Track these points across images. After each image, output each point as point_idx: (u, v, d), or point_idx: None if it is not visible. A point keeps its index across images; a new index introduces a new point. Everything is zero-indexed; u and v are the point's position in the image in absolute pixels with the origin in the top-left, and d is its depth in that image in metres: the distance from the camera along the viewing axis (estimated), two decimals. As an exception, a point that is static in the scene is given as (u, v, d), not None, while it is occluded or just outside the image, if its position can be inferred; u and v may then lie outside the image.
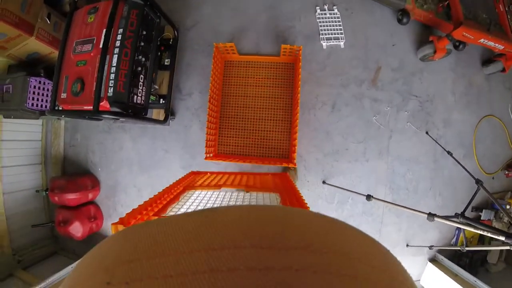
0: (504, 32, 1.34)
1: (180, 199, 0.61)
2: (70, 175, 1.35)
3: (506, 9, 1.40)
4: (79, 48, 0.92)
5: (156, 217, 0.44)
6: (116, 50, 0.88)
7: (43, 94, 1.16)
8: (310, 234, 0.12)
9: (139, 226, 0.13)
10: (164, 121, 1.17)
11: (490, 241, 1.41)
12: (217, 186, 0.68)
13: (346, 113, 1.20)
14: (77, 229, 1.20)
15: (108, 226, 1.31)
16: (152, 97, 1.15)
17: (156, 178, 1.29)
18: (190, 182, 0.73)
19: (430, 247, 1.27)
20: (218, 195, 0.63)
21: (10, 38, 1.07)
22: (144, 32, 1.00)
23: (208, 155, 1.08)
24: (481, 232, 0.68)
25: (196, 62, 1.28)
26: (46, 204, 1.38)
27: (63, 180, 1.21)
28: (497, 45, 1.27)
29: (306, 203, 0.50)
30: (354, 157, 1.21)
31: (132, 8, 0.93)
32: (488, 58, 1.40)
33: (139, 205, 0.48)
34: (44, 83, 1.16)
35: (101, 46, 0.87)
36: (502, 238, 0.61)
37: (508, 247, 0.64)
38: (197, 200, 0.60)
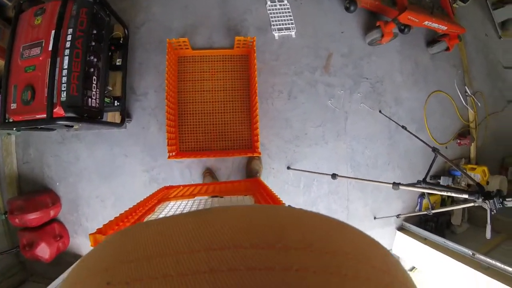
0: (446, 14, 1.50)
1: (155, 210, 0.62)
2: (28, 194, 1.29)
3: None
4: (27, 53, 0.89)
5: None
6: (67, 52, 0.87)
7: (-9, 109, 1.12)
8: (310, 234, 0.12)
9: (139, 227, 0.14)
10: (121, 123, 1.17)
11: (451, 204, 1.59)
12: (192, 195, 0.70)
13: (302, 100, 1.29)
14: (44, 251, 1.16)
15: (76, 243, 1.28)
16: (106, 99, 1.16)
17: (118, 185, 1.29)
18: (163, 195, 0.74)
19: (398, 215, 1.38)
20: (193, 203, 0.64)
21: None
22: (95, 31, 0.99)
23: (170, 154, 1.11)
24: (445, 194, 0.77)
25: (148, 60, 1.29)
26: (7, 228, 1.31)
27: (21, 200, 1.17)
28: (440, 26, 1.42)
29: (281, 200, 0.51)
30: (314, 141, 1.31)
31: (81, 7, 0.91)
32: (432, 39, 1.55)
33: (115, 217, 0.49)
34: (-10, 96, 1.12)
35: (50, 48, 0.85)
36: (466, 196, 0.70)
37: (472, 204, 0.72)
38: (173, 209, 0.61)
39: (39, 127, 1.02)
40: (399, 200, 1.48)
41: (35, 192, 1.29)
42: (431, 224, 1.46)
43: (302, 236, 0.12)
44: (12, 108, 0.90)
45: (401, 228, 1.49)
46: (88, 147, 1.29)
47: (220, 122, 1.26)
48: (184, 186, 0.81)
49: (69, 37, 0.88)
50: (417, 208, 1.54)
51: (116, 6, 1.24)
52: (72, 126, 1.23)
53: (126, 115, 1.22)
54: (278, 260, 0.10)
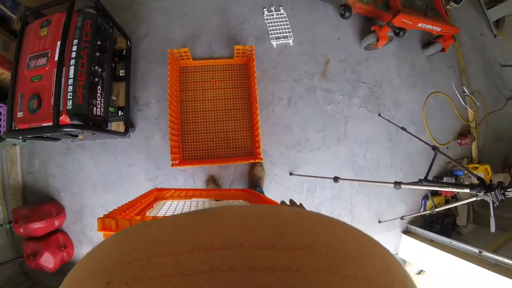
0: (440, 15, 1.54)
1: (154, 206, 0.63)
2: (33, 203, 1.32)
3: None
4: (33, 63, 0.92)
5: (138, 217, 0.45)
6: (72, 62, 0.90)
7: (-5, 119, 1.13)
8: (310, 234, 0.12)
9: (139, 226, 0.14)
10: (125, 133, 1.20)
11: (456, 208, 1.60)
12: (188, 197, 0.71)
13: (302, 106, 1.32)
14: (48, 261, 1.17)
15: (80, 253, 1.29)
16: (110, 109, 1.19)
17: (122, 195, 1.30)
18: (157, 195, 0.75)
19: (402, 217, 1.37)
20: (190, 204, 0.65)
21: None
22: (99, 42, 1.02)
23: (174, 162, 1.14)
24: (446, 189, 0.77)
25: (150, 71, 1.33)
26: (10, 238, 1.32)
27: (26, 210, 1.18)
28: (434, 27, 1.45)
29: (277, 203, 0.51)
30: (316, 146, 1.33)
31: (86, 18, 0.96)
32: (428, 41, 1.59)
33: (118, 207, 0.50)
34: (-5, 107, 1.12)
35: (56, 58, 0.88)
36: (467, 190, 0.71)
37: (474, 198, 0.73)
38: (172, 208, 0.61)
39: (45, 136, 1.06)
40: (403, 203, 1.49)
41: (40, 202, 1.31)
42: (437, 226, 1.46)
43: (302, 236, 0.12)
44: (18, 116, 0.93)
45: (406, 231, 1.49)
46: (93, 157, 1.32)
47: (222, 130, 1.29)
48: (176, 189, 0.82)
49: (74, 48, 0.92)
50: (421, 210, 1.54)
51: (118, 18, 1.29)
52: (77, 136, 1.27)
53: (129, 125, 1.25)
54: (278, 260, 0.10)
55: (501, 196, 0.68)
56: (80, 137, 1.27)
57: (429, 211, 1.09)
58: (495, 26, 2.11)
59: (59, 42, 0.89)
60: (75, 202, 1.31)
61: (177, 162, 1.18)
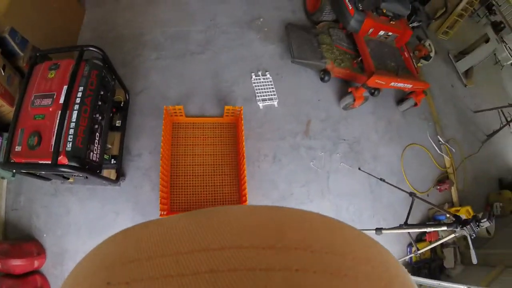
0: (411, 73, 1.73)
1: None
2: (14, 240, 1.27)
3: (411, 54, 1.81)
4: (38, 102, 0.95)
5: None
6: (76, 107, 0.95)
7: (-11, 149, 1.10)
8: (310, 234, 0.12)
9: (139, 227, 0.14)
10: (116, 181, 1.24)
11: (442, 252, 1.63)
12: None
13: (287, 162, 1.41)
14: None
15: None
16: (105, 156, 1.22)
17: None
18: None
19: None
20: None
21: (-40, 85, 1.00)
22: (102, 92, 1.09)
23: (162, 213, 1.16)
24: (425, 229, 0.83)
25: (144, 124, 1.41)
26: None
27: (7, 245, 1.14)
28: (406, 85, 1.63)
29: None
30: (300, 200, 1.39)
31: (92, 69, 1.03)
32: (401, 98, 1.76)
33: None
34: (-9, 137, 1.10)
35: (61, 101, 0.93)
36: (444, 228, 0.78)
37: (453, 235, 0.79)
38: None
39: (38, 173, 1.07)
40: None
41: (22, 239, 1.25)
42: (424, 271, 1.48)
43: (302, 236, 0.12)
44: (16, 150, 0.94)
45: (393, 280, 1.50)
46: (80, 202, 1.31)
47: (210, 183, 1.35)
48: None
49: (79, 94, 0.98)
50: (408, 258, 1.58)
51: (119, 71, 1.40)
52: (68, 178, 1.27)
53: (121, 173, 1.28)
54: (278, 260, 0.10)
55: (477, 228, 0.75)
56: (71, 179, 1.28)
57: (413, 254, 1.13)
58: (464, 76, 2.35)
59: (65, 87, 0.94)
60: (57, 245, 1.28)
61: (165, 213, 1.21)
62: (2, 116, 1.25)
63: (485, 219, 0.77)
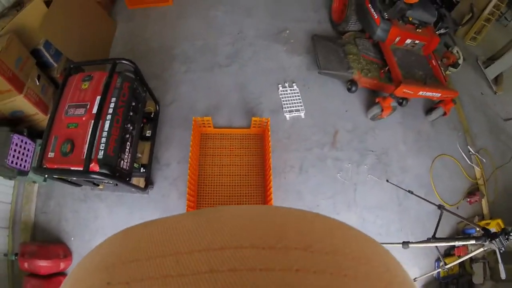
0: (439, 82, 1.68)
1: None
2: (42, 241, 1.31)
3: (439, 62, 1.76)
4: (72, 111, 1.00)
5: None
6: (109, 117, 1.01)
7: (23, 154, 1.17)
8: (310, 234, 0.12)
9: (140, 227, 0.14)
10: (145, 189, 1.29)
11: (471, 267, 1.57)
12: None
13: (313, 174, 1.41)
14: None
15: None
16: (135, 165, 1.26)
17: None
18: None
19: (414, 279, 1.35)
20: None
21: (0, 92, 1.09)
22: (133, 104, 1.15)
23: None
24: (454, 243, 0.81)
25: (173, 135, 1.46)
26: (11, 272, 1.29)
27: (35, 246, 1.18)
28: (434, 94, 1.58)
29: None
30: (326, 212, 1.38)
31: (125, 81, 1.09)
32: (430, 107, 1.71)
33: None
34: (26, 143, 1.17)
35: (94, 111, 0.99)
36: (473, 241, 0.77)
37: (482, 249, 0.78)
38: None
39: (70, 179, 1.13)
40: (416, 267, 1.48)
41: (49, 241, 1.30)
42: (452, 287, 1.43)
43: (302, 236, 0.12)
44: (49, 156, 0.99)
45: (420, 296, 1.46)
46: (109, 208, 1.36)
47: (236, 194, 1.38)
48: None
49: (112, 105, 1.03)
50: (435, 273, 1.52)
51: (149, 84, 1.47)
52: (98, 185, 1.33)
53: (149, 182, 1.32)
54: (278, 261, 0.10)
55: (506, 241, 0.73)
56: (101, 186, 1.34)
57: (440, 269, 1.09)
58: (494, 83, 2.24)
59: (98, 97, 1.00)
60: (84, 249, 1.32)
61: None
62: (36, 124, 1.33)
63: None
